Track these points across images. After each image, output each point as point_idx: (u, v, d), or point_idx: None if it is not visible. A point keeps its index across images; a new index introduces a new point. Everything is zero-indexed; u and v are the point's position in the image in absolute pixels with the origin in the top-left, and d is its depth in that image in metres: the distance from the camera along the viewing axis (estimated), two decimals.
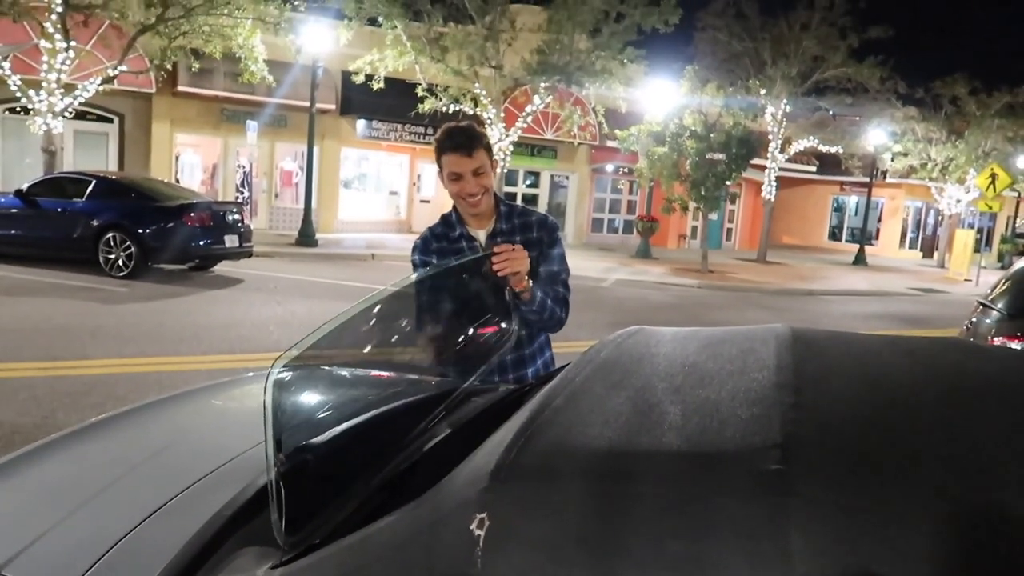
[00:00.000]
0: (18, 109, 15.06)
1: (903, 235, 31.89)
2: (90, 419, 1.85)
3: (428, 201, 23.07)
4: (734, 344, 1.19)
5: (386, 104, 18.35)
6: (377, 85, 16.89)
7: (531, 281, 2.16)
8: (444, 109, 17.39)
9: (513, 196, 22.80)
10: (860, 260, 24.09)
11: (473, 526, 0.85)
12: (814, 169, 28.63)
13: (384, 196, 22.58)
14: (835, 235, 33.06)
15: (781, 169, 23.40)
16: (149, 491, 1.43)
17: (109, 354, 6.47)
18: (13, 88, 13.24)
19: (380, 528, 0.98)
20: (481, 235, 2.40)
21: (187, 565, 1.16)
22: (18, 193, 11.40)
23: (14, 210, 11.34)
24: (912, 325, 12.40)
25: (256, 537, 1.21)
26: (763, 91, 21.25)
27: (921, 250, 31.48)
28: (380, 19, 16.21)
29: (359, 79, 16.99)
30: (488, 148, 2.33)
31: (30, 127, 13.66)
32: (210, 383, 2.25)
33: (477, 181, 2.27)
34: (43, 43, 13.11)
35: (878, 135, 23.98)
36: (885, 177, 27.69)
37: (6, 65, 13.24)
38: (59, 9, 12.74)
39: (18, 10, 12.76)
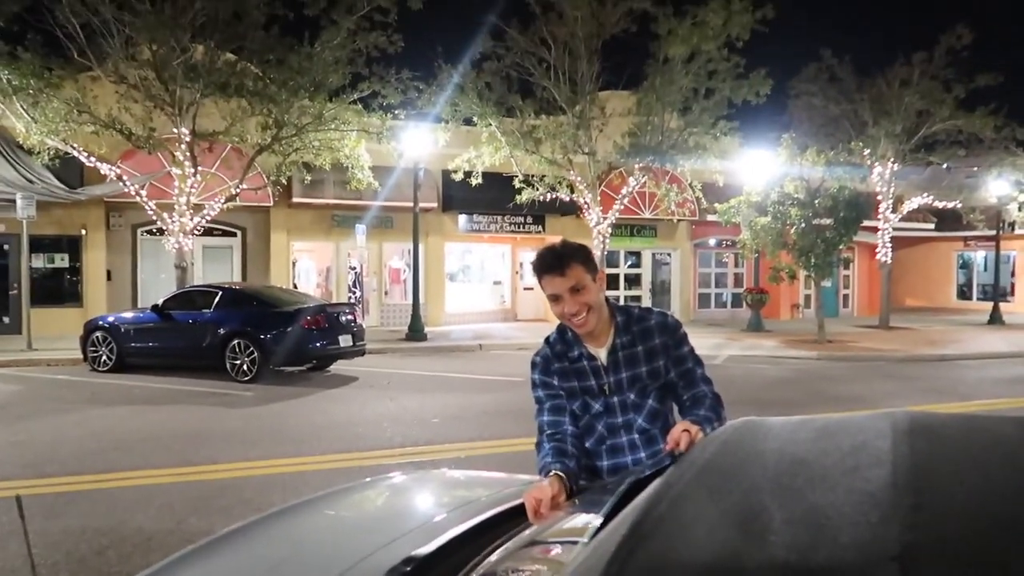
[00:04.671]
0: (153, 231, 16.58)
1: None
2: (217, 532, 1.94)
3: (531, 288, 23.31)
4: (847, 435, 1.14)
5: (485, 198, 18.91)
6: (476, 180, 17.52)
7: (699, 426, 1.90)
8: (542, 198, 17.76)
9: (615, 277, 22.76)
10: (995, 319, 22.39)
11: None
12: (932, 226, 27.17)
13: (488, 286, 23.02)
14: (964, 294, 30.95)
15: (895, 229, 22.33)
16: None
17: (236, 457, 6.77)
18: (149, 212, 14.67)
19: None
20: (602, 353, 2.24)
21: None
22: (155, 308, 12.37)
23: (151, 324, 12.26)
24: None
25: None
26: (867, 151, 20.58)
27: None
28: (475, 119, 16.97)
29: (458, 176, 17.69)
30: (586, 261, 2.17)
31: (164, 245, 14.97)
32: (327, 491, 2.33)
33: (576, 299, 2.13)
34: (174, 170, 14.62)
35: (1000, 185, 22.61)
36: (1013, 228, 25.90)
37: (143, 193, 14.73)
38: (187, 139, 14.15)
39: (153, 143, 14.23)
